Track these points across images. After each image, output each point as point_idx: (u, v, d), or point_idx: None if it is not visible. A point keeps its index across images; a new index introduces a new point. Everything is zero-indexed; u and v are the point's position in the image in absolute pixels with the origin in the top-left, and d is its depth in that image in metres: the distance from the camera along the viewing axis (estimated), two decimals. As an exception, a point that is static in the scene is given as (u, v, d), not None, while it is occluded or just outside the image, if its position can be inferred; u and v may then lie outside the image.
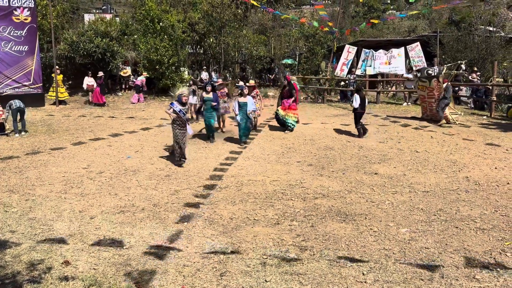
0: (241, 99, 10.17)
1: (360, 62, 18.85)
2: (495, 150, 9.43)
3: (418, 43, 17.93)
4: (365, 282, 4.09)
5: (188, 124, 8.67)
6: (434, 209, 6.00)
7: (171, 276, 4.23)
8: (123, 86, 20.70)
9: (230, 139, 10.98)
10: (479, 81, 16.81)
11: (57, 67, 17.68)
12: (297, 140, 10.75)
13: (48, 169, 8.10)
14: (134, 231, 5.30)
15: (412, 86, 17.52)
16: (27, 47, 16.45)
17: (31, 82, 16.60)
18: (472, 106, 16.99)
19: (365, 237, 5.11)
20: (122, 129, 12.47)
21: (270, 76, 24.26)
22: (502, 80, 17.36)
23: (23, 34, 16.33)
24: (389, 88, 21.18)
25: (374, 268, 4.34)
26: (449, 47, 20.21)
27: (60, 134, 11.66)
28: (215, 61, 23.40)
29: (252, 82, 12.45)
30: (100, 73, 17.83)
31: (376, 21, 24.94)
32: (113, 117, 14.90)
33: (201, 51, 23.80)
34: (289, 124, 11.69)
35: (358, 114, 11.14)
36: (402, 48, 18.00)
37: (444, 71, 13.01)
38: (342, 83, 19.88)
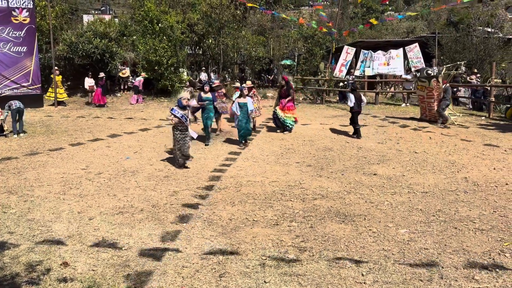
0: (241, 100, 10.14)
1: (358, 63, 18.89)
2: (493, 151, 9.44)
3: (416, 44, 17.97)
4: (364, 283, 4.08)
5: (190, 128, 8.61)
6: (433, 210, 6.01)
7: (170, 277, 4.22)
8: (122, 87, 20.70)
9: (229, 140, 10.98)
10: (478, 83, 16.85)
11: (56, 68, 17.68)
12: (296, 141, 10.76)
13: (47, 170, 8.08)
14: (133, 232, 5.29)
15: (411, 87, 17.56)
16: (25, 48, 16.44)
17: (29, 83, 16.60)
18: (471, 107, 17.03)
19: (364, 238, 5.11)
20: (121, 130, 12.46)
21: (269, 77, 24.29)
22: (500, 81, 17.40)
23: (21, 35, 16.32)
24: (388, 89, 21.22)
25: (373, 269, 4.34)
26: (447, 48, 20.26)
27: (59, 135, 11.64)
28: (214, 62, 23.42)
29: (249, 82, 12.45)
30: (102, 74, 17.83)
31: (374, 22, 24.99)
32: (112, 118, 14.89)
33: (200, 52, 23.83)
34: (287, 125, 11.70)
35: (354, 113, 11.21)
36: (401, 49, 18.05)
37: (443, 72, 13.05)
38: (341, 84, 19.91)
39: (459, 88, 17.37)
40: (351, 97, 11.25)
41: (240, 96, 10.30)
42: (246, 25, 24.58)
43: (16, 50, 16.28)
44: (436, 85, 12.88)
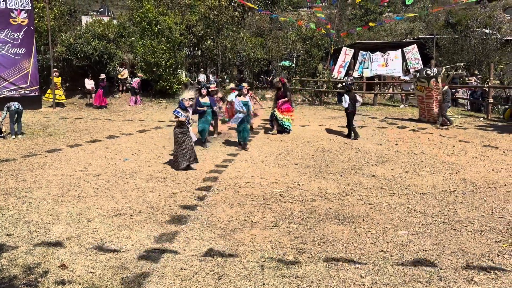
0: (242, 98, 10.10)
1: (357, 64, 18.91)
2: (492, 152, 9.46)
3: (415, 45, 18.01)
4: (363, 285, 4.08)
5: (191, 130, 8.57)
6: (432, 211, 6.01)
7: (169, 279, 4.21)
8: (120, 89, 20.68)
9: (227, 142, 10.97)
10: (478, 84, 16.89)
11: (55, 69, 17.67)
12: (294, 142, 10.76)
13: (45, 172, 8.06)
14: (131, 234, 5.27)
15: (409, 89, 17.60)
16: (24, 49, 16.42)
17: (28, 84, 16.57)
18: (469, 108, 17.06)
19: (363, 240, 5.10)
20: (119, 131, 12.44)
21: (268, 78, 24.30)
22: (498, 82, 17.45)
23: (20, 36, 16.30)
24: (386, 90, 21.25)
25: (372, 271, 4.34)
26: (445, 49, 20.32)
27: (57, 136, 11.62)
28: (213, 64, 23.42)
29: (245, 85, 12.45)
30: (103, 76, 17.83)
31: (372, 24, 25.05)
32: (110, 119, 14.87)
33: (199, 54, 23.83)
34: (285, 126, 11.71)
35: (350, 114, 11.23)
36: (399, 50, 18.08)
37: (442, 72, 13.09)
38: (340, 85, 19.93)
39: (458, 89, 17.41)
40: (346, 98, 11.27)
41: (240, 95, 10.28)
42: (245, 27, 24.59)
43: (14, 51, 16.26)
44: (435, 85, 12.91)
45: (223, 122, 11.99)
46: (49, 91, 17.67)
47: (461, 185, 7.20)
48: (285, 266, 4.47)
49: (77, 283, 4.11)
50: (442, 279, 4.14)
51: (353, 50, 19.19)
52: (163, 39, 18.57)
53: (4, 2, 15.91)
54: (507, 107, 14.79)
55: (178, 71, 20.18)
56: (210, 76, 22.29)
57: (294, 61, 24.74)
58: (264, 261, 4.57)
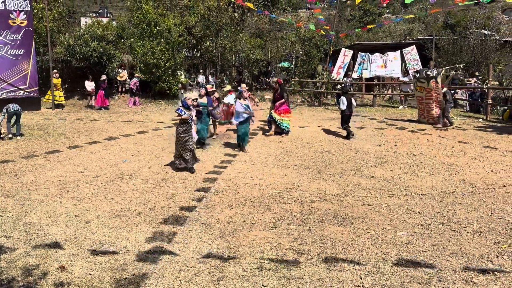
0: (243, 102, 10.06)
1: (356, 66, 18.93)
2: (491, 153, 9.46)
3: (414, 46, 18.03)
4: (362, 286, 4.07)
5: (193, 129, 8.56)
6: (431, 212, 6.01)
7: (168, 281, 4.20)
8: (120, 90, 20.67)
9: (226, 143, 10.96)
10: (478, 84, 16.91)
11: (55, 71, 17.66)
12: (293, 144, 10.75)
13: (44, 173, 8.05)
14: (130, 236, 5.26)
15: (408, 90, 17.62)
16: (23, 50, 16.40)
17: (27, 85, 16.55)
18: (468, 109, 17.08)
19: (362, 241, 5.10)
20: (119, 132, 12.43)
21: (267, 79, 24.31)
22: (497, 83, 17.48)
23: (19, 37, 16.28)
24: (385, 91, 21.27)
25: (371, 272, 4.33)
26: (444, 50, 20.35)
27: (56, 138, 11.61)
28: (212, 65, 23.43)
29: (243, 86, 12.45)
30: (104, 77, 17.81)
31: (371, 26, 25.08)
32: (109, 120, 14.86)
33: (198, 55, 23.83)
34: (284, 128, 11.71)
35: (346, 116, 11.23)
36: (398, 52, 18.11)
37: (442, 73, 13.12)
38: (339, 86, 19.95)
39: (457, 90, 17.44)
40: (343, 99, 11.27)
41: (240, 98, 10.25)
42: (244, 28, 24.60)
43: (14, 52, 16.24)
44: (435, 86, 12.93)
45: (220, 123, 11.98)
46: (49, 92, 17.66)
47: (460, 186, 7.20)
48: (285, 267, 4.46)
49: (76, 285, 4.10)
50: (441, 280, 4.14)
51: (352, 51, 19.21)
52: (162, 40, 18.57)
53: (3, 3, 15.89)
54: (506, 108, 14.81)
55: (177, 72, 20.18)
56: (209, 77, 22.29)
57: (293, 62, 24.76)
58: (264, 262, 4.57)
